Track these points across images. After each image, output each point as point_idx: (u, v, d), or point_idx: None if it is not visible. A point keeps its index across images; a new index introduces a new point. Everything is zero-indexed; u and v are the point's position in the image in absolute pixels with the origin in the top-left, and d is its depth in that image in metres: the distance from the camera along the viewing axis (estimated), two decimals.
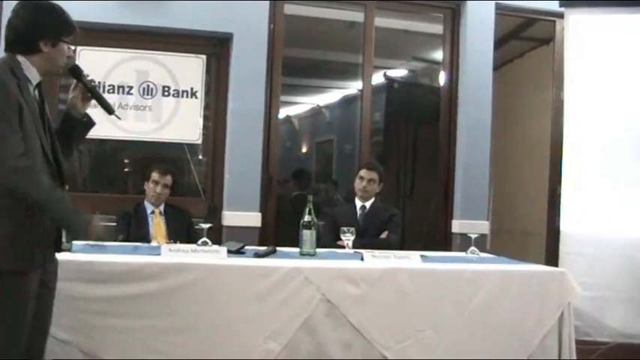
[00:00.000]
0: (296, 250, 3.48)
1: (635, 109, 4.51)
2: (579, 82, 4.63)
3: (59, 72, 2.41)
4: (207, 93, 4.82)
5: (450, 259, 3.63)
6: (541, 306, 3.31)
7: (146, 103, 4.69)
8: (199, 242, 3.38)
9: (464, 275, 3.25)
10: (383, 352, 3.07)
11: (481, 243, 4.25)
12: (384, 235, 4.18)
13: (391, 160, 6.78)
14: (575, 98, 4.63)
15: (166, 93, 4.72)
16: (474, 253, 3.76)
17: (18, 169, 2.11)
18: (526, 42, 6.01)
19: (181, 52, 4.75)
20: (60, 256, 2.42)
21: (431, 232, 5.29)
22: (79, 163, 5.01)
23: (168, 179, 4.25)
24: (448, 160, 5.14)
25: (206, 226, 3.50)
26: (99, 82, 4.59)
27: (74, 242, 3.12)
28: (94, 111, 2.57)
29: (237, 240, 3.54)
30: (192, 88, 4.75)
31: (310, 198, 3.47)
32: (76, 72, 2.44)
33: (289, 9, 4.93)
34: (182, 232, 4.20)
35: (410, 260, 3.33)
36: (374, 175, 4.32)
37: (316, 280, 3.01)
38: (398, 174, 6.70)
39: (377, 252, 3.38)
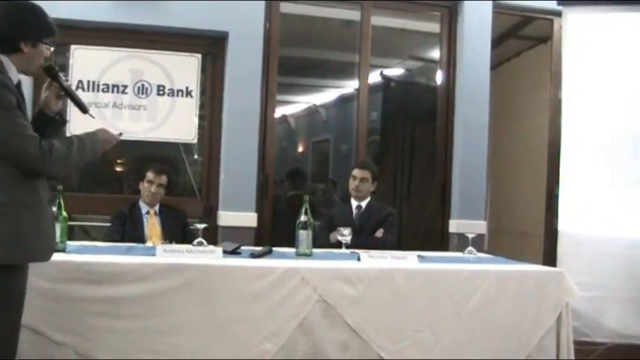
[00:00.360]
0: (292, 250, 3.47)
1: (634, 108, 4.50)
2: (577, 81, 4.61)
3: (35, 73, 2.41)
4: (202, 92, 4.79)
5: (447, 260, 3.62)
6: (539, 306, 3.30)
7: (141, 102, 4.66)
8: (195, 242, 3.37)
9: (461, 275, 3.23)
10: (380, 353, 3.06)
11: (478, 243, 4.23)
12: (379, 234, 4.16)
13: (388, 160, 6.76)
14: (573, 97, 4.62)
15: (161, 92, 4.69)
16: (471, 253, 3.76)
17: (50, 156, 2.21)
18: (524, 41, 5.99)
19: (176, 51, 4.72)
20: (55, 257, 2.41)
21: (428, 232, 5.27)
22: None
23: (164, 179, 4.22)
24: (445, 159, 5.13)
25: (201, 226, 3.50)
26: (93, 82, 4.59)
27: (68, 242, 3.11)
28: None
29: (232, 240, 3.53)
30: (187, 88, 4.72)
31: (306, 198, 3.45)
32: (51, 72, 2.42)
33: (285, 8, 4.91)
34: (177, 232, 4.18)
35: (407, 260, 3.31)
36: (366, 174, 4.30)
37: (313, 280, 3.00)
38: (395, 173, 6.67)
39: (373, 252, 3.37)
